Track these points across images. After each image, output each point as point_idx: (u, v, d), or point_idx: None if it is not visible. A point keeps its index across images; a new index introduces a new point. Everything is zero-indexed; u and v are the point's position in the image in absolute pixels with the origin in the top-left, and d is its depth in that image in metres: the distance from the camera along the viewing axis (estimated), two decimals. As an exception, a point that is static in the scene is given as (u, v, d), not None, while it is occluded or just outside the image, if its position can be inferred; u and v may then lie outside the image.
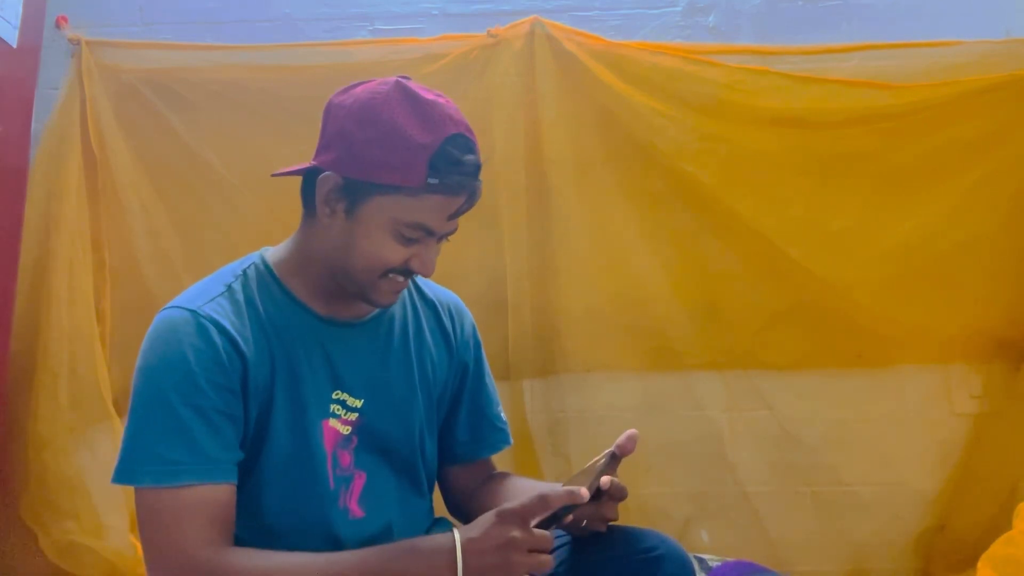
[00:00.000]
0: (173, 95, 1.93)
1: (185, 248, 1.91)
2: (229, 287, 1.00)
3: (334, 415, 1.02)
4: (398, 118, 0.93)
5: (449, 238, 1.02)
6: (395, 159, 0.92)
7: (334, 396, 1.03)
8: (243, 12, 2.04)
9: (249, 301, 1.00)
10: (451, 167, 0.93)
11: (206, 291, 0.99)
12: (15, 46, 1.71)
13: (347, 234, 0.97)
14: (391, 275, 0.99)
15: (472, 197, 0.97)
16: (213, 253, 1.88)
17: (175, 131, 1.92)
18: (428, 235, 0.97)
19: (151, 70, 1.94)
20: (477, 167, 0.96)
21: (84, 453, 1.77)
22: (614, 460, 1.00)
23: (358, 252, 0.97)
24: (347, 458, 1.03)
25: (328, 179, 0.95)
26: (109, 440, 1.77)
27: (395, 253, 0.97)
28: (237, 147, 1.92)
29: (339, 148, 0.95)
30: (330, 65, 1.93)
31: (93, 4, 2.02)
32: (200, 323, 0.94)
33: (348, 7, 2.04)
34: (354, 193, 0.95)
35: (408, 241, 0.96)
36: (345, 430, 1.03)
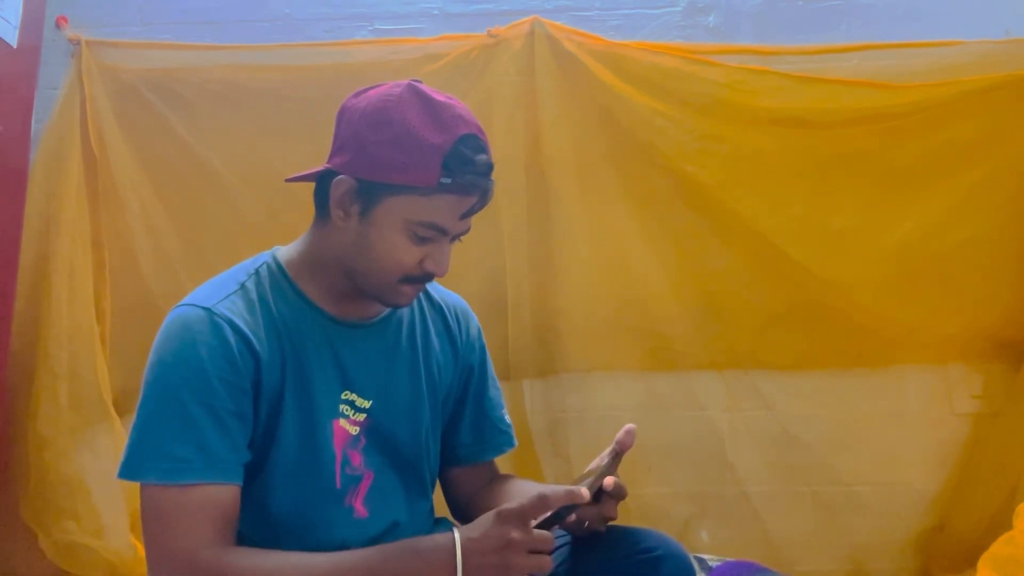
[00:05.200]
0: (173, 95, 1.93)
1: (185, 248, 1.91)
2: (243, 285, 1.00)
3: (343, 415, 1.02)
4: (411, 119, 0.94)
5: (461, 238, 1.02)
6: (408, 160, 0.93)
7: (343, 396, 1.03)
8: (243, 12, 2.05)
9: (262, 300, 1.00)
10: (464, 167, 0.94)
11: (220, 289, 0.99)
12: (15, 46, 1.71)
13: (361, 236, 0.97)
14: (409, 280, 0.99)
15: (484, 196, 0.98)
16: (213, 253, 1.88)
17: (175, 131, 1.92)
18: (441, 235, 0.98)
19: (151, 70, 1.94)
20: (489, 167, 0.97)
21: (84, 453, 1.76)
22: (616, 459, 1.00)
23: (373, 254, 0.97)
24: (357, 458, 1.03)
25: (342, 182, 0.96)
26: (109, 440, 1.77)
27: (409, 254, 0.97)
28: (237, 147, 1.92)
29: (353, 150, 0.96)
30: (330, 65, 1.93)
31: (93, 4, 2.02)
32: (214, 322, 0.94)
33: (348, 7, 2.04)
34: (368, 195, 0.96)
35: (422, 241, 0.97)
36: (353, 430, 1.03)
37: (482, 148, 0.96)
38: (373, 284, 1.00)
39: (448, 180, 0.93)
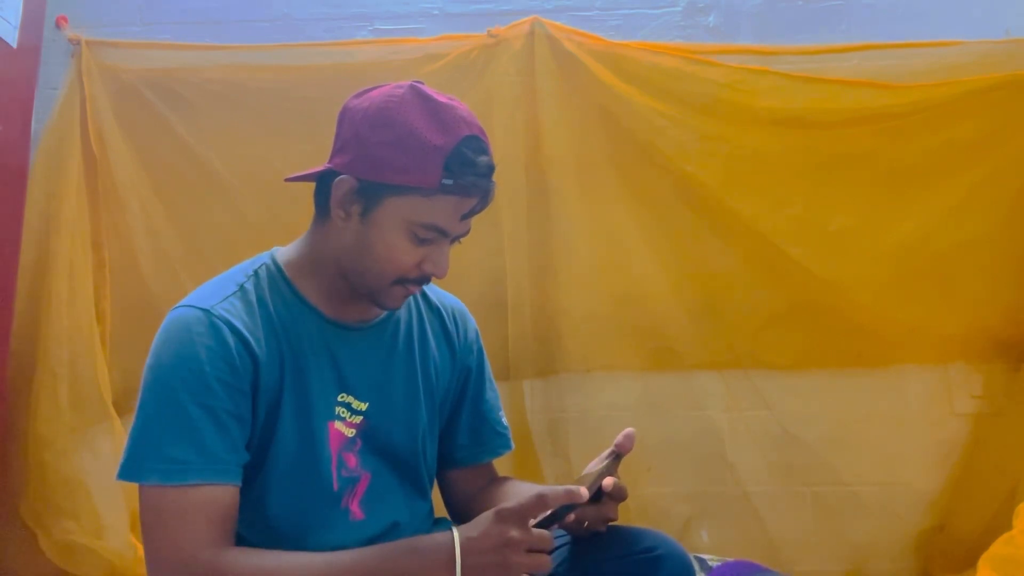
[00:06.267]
0: (173, 95, 1.93)
1: (185, 248, 1.91)
2: (241, 287, 1.00)
3: (339, 417, 1.02)
4: (413, 120, 0.94)
5: (460, 239, 1.02)
6: (410, 161, 0.93)
7: (339, 399, 1.03)
8: (243, 12, 2.05)
9: (260, 301, 1.00)
10: (465, 168, 0.94)
11: (219, 290, 0.99)
12: (15, 46, 1.71)
13: (361, 236, 0.97)
14: (405, 283, 1.00)
15: (485, 198, 0.98)
16: (213, 253, 1.88)
17: (175, 131, 1.92)
18: (442, 236, 0.98)
19: (151, 70, 1.94)
20: (491, 168, 0.97)
21: (84, 453, 1.76)
22: (616, 460, 1.00)
23: (373, 254, 0.97)
24: (353, 460, 1.03)
25: (344, 182, 0.96)
26: (109, 440, 1.77)
27: (408, 254, 0.97)
28: (237, 147, 1.92)
29: (354, 151, 0.96)
30: (330, 65, 1.93)
31: (93, 4, 2.02)
32: (213, 323, 0.94)
33: (348, 7, 2.04)
34: (369, 195, 0.96)
35: (422, 242, 0.97)
36: (350, 432, 1.03)
37: (483, 149, 0.97)
38: (368, 284, 1.00)
39: (450, 181, 0.93)
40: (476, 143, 0.96)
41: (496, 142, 1.88)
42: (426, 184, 0.93)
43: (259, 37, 2.00)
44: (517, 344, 1.89)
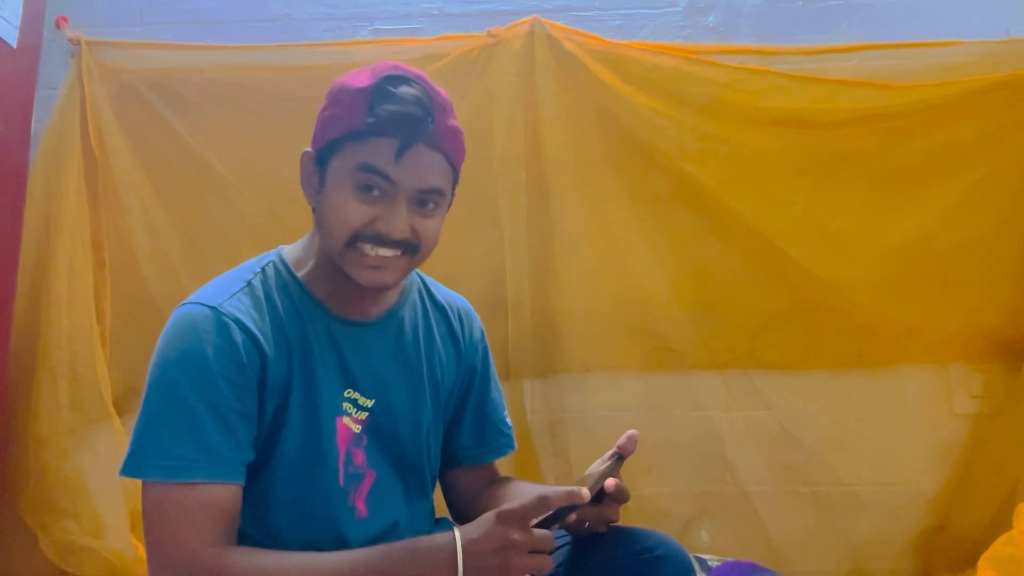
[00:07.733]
0: (173, 95, 1.93)
1: (185, 248, 1.91)
2: (249, 283, 1.00)
3: (346, 413, 1.03)
4: (348, 79, 0.97)
5: (432, 213, 0.98)
6: (340, 111, 0.95)
7: (346, 395, 1.03)
8: (243, 12, 2.05)
9: (268, 298, 1.00)
10: (387, 100, 0.93)
11: (226, 287, 0.99)
12: (15, 46, 1.71)
13: (322, 206, 0.98)
14: (360, 244, 0.95)
15: (417, 131, 0.93)
16: (212, 253, 1.89)
17: (175, 131, 1.92)
18: (385, 180, 0.93)
19: (151, 70, 1.94)
20: (417, 99, 0.93)
21: (84, 453, 1.76)
22: (618, 462, 1.00)
23: (328, 218, 0.96)
24: (360, 456, 1.03)
25: (303, 158, 0.99)
26: (109, 440, 1.77)
27: (357, 210, 0.94)
28: (237, 147, 1.92)
29: (314, 130, 0.99)
30: (330, 65, 1.93)
31: (93, 4, 2.02)
32: (221, 320, 0.93)
33: (348, 7, 2.04)
34: (321, 162, 0.98)
35: (367, 192, 0.94)
36: (356, 428, 1.03)
37: (406, 82, 0.94)
38: (335, 261, 0.97)
39: (373, 119, 0.92)
40: (399, 77, 0.94)
41: (496, 142, 1.90)
42: (353, 127, 0.93)
43: (259, 37, 2.00)
44: (517, 344, 1.89)
